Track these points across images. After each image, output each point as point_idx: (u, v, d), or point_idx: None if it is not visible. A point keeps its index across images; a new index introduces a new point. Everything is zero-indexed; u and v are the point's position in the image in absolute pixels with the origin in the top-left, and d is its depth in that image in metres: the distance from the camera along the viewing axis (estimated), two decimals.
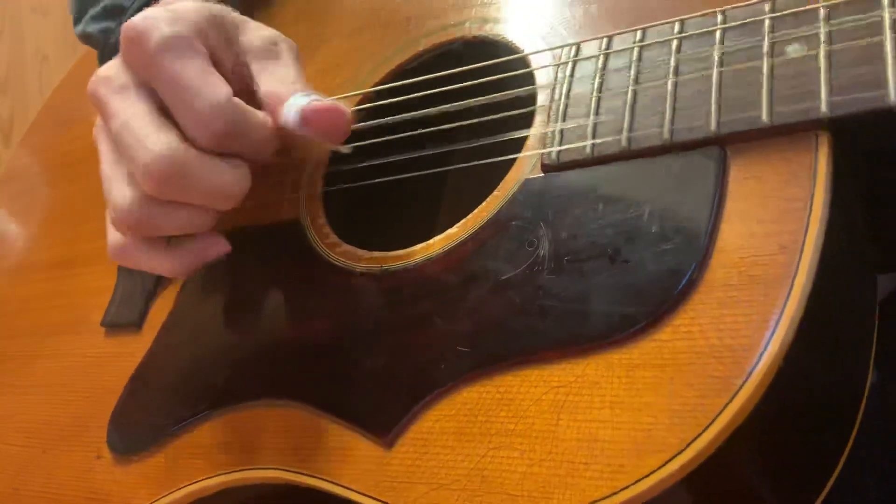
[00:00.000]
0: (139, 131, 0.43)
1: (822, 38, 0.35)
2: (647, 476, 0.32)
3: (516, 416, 0.36)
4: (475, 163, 0.46)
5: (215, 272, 0.51)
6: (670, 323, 0.34)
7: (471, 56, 0.49)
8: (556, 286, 0.37)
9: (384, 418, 0.40)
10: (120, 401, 0.53)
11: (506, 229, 0.41)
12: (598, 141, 0.39)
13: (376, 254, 0.46)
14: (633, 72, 0.40)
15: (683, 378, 0.33)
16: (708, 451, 0.31)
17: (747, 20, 0.38)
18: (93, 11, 0.60)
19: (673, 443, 0.32)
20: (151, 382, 0.52)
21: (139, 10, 0.55)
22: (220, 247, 0.48)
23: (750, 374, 0.31)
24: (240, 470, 0.45)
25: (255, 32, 0.49)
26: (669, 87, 0.38)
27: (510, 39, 0.48)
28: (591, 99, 0.41)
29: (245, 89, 0.48)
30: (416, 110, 0.49)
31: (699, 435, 0.31)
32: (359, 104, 0.53)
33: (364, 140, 0.52)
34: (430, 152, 0.49)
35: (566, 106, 0.42)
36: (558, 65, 0.44)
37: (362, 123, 0.53)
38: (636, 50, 0.40)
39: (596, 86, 0.41)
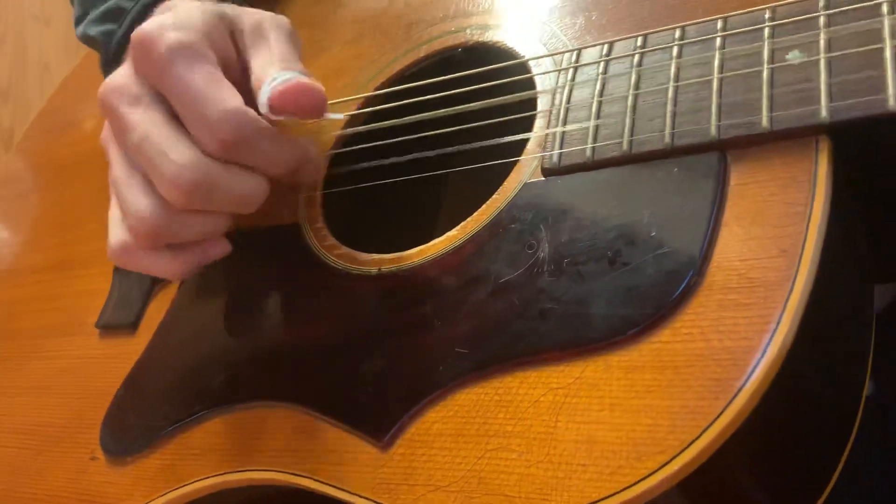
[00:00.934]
0: (161, 144, 0.43)
1: (822, 44, 0.35)
2: (645, 478, 0.32)
3: (514, 418, 0.36)
4: (475, 166, 0.46)
5: (213, 275, 0.51)
6: (670, 325, 0.34)
7: (472, 62, 0.50)
8: (556, 288, 0.37)
9: (382, 420, 0.40)
10: (114, 402, 0.53)
11: (506, 232, 0.41)
12: (598, 145, 0.39)
13: (375, 256, 0.46)
14: (633, 77, 0.40)
15: (682, 380, 0.33)
16: (707, 452, 0.31)
17: (748, 27, 0.38)
18: (94, 14, 0.60)
19: (672, 444, 0.31)
20: (147, 384, 0.52)
21: (140, 12, 0.55)
22: (221, 247, 0.48)
23: (749, 376, 0.31)
24: (235, 471, 0.44)
25: (247, 17, 0.48)
26: (670, 92, 0.38)
27: (511, 46, 0.48)
28: (592, 103, 0.41)
29: (244, 78, 0.48)
30: (417, 114, 0.49)
31: (698, 437, 0.31)
32: (359, 108, 0.54)
33: (363, 143, 0.52)
34: (429, 154, 0.49)
35: (567, 110, 0.42)
36: (559, 70, 0.44)
37: (361, 127, 0.53)
38: (637, 55, 0.41)
39: (597, 90, 0.41)
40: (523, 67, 0.47)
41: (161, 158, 0.43)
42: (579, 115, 0.41)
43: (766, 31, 0.37)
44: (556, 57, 0.45)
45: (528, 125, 0.44)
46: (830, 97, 0.34)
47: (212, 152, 0.43)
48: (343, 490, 0.40)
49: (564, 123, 0.42)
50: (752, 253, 0.34)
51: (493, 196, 0.43)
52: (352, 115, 0.53)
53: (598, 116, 0.40)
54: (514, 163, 0.43)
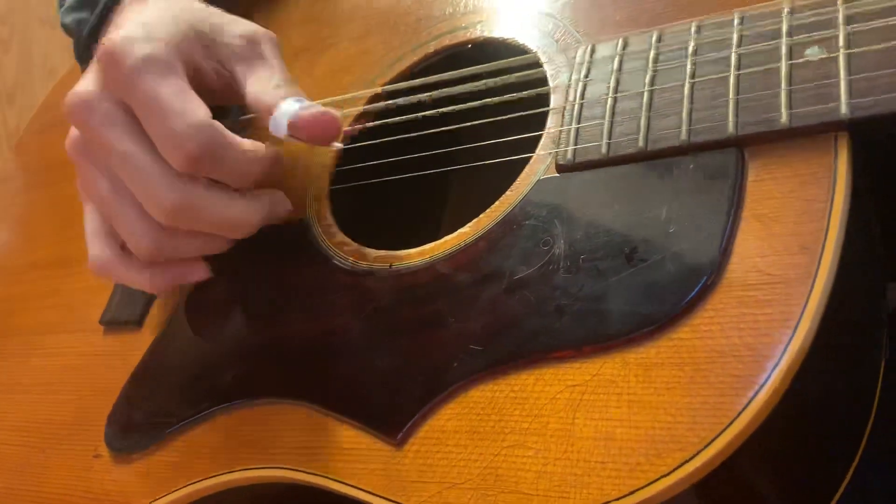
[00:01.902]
0: (142, 167, 0.43)
1: (841, 41, 0.35)
2: (665, 475, 0.31)
3: (531, 415, 0.36)
4: (488, 161, 0.46)
5: (221, 271, 0.50)
6: (689, 322, 0.34)
7: (482, 58, 0.49)
8: (572, 285, 0.37)
9: (395, 417, 0.39)
10: (119, 399, 0.52)
11: (520, 228, 0.40)
12: (614, 141, 0.39)
13: (385, 252, 0.46)
14: (649, 73, 0.40)
15: (703, 377, 0.32)
16: (729, 450, 0.31)
17: (765, 23, 0.38)
18: (69, 1, 0.59)
19: (692, 441, 0.31)
20: (152, 380, 0.51)
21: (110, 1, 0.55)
22: (199, 272, 0.48)
23: (772, 373, 0.31)
24: (244, 469, 0.44)
25: (233, 32, 0.48)
26: (687, 88, 0.38)
27: (522, 42, 0.48)
28: (606, 100, 0.41)
29: (232, 95, 0.48)
30: (425, 110, 0.49)
31: (720, 434, 0.31)
32: (367, 104, 0.53)
33: (372, 139, 0.52)
34: (438, 151, 0.49)
35: (581, 107, 0.42)
36: (573, 66, 0.44)
37: (370, 123, 0.53)
38: (653, 51, 0.41)
39: (612, 87, 0.41)
40: (535, 63, 0.46)
41: (144, 181, 0.43)
42: (594, 111, 0.41)
43: (785, 26, 0.37)
44: (569, 53, 0.45)
45: (539, 122, 0.44)
46: (850, 94, 0.34)
47: (178, 167, 0.42)
48: (356, 488, 0.39)
49: (579, 120, 0.41)
50: (771, 250, 0.33)
51: (507, 192, 0.42)
52: (360, 112, 0.53)
53: (613, 113, 0.40)
54: (525, 160, 0.43)
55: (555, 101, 0.44)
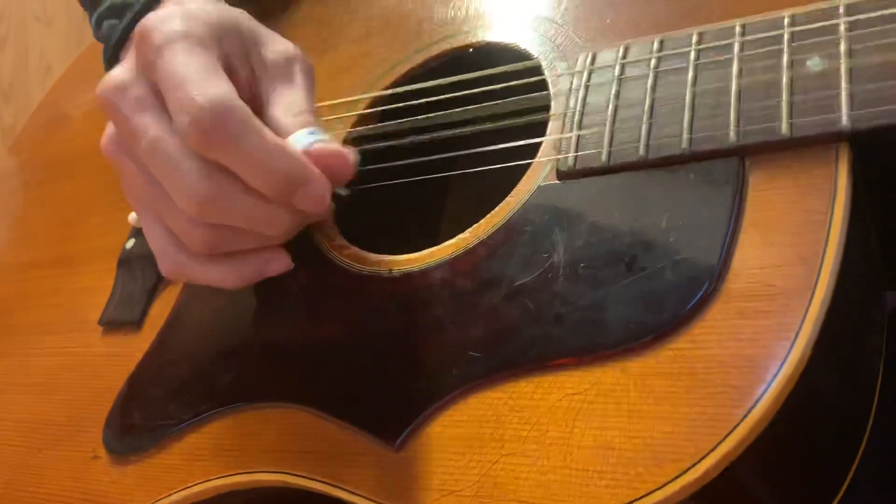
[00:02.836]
0: (170, 155, 0.40)
1: (843, 52, 0.35)
2: (664, 485, 0.31)
3: (529, 423, 0.36)
4: (487, 167, 0.45)
5: None
6: (688, 332, 0.34)
7: (483, 63, 0.49)
8: (572, 293, 0.37)
9: (393, 423, 0.39)
10: (117, 400, 0.52)
11: (519, 235, 0.40)
12: (615, 149, 0.39)
13: (385, 257, 0.46)
14: (650, 81, 0.40)
15: (701, 387, 0.32)
16: (727, 460, 0.31)
17: (767, 32, 0.38)
18: (100, 10, 0.59)
19: (691, 452, 0.31)
20: (152, 382, 0.51)
21: (146, 5, 0.54)
22: (280, 263, 0.45)
23: (770, 384, 0.31)
24: (242, 473, 0.44)
25: (272, 46, 0.46)
26: (688, 96, 0.38)
27: (524, 47, 0.48)
28: (607, 107, 0.41)
29: (254, 108, 0.44)
30: (425, 114, 0.49)
31: (718, 444, 0.31)
32: (367, 107, 0.53)
33: (371, 144, 0.52)
34: (437, 157, 0.49)
35: (582, 114, 0.42)
36: (573, 73, 0.44)
37: (369, 126, 0.53)
38: (654, 59, 0.41)
39: (613, 94, 0.41)
40: (536, 69, 0.46)
41: (171, 170, 0.40)
42: (595, 118, 0.41)
43: (786, 36, 0.37)
44: (570, 59, 0.45)
45: (540, 128, 0.44)
46: (852, 105, 0.34)
47: (192, 144, 0.39)
48: (354, 493, 0.39)
49: (580, 127, 0.41)
50: (771, 260, 0.33)
51: (507, 199, 0.42)
52: (361, 115, 0.53)
53: (614, 120, 0.40)
54: (525, 166, 0.43)
55: (555, 107, 0.44)
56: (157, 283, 0.56)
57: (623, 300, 0.36)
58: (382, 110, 0.52)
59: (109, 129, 0.45)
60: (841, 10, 0.36)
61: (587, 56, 0.44)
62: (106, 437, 0.51)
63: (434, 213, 0.62)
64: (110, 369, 0.54)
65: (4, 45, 1.37)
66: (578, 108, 0.42)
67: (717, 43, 0.39)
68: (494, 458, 0.36)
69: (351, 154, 0.43)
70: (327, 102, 0.55)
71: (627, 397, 0.34)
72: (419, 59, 0.53)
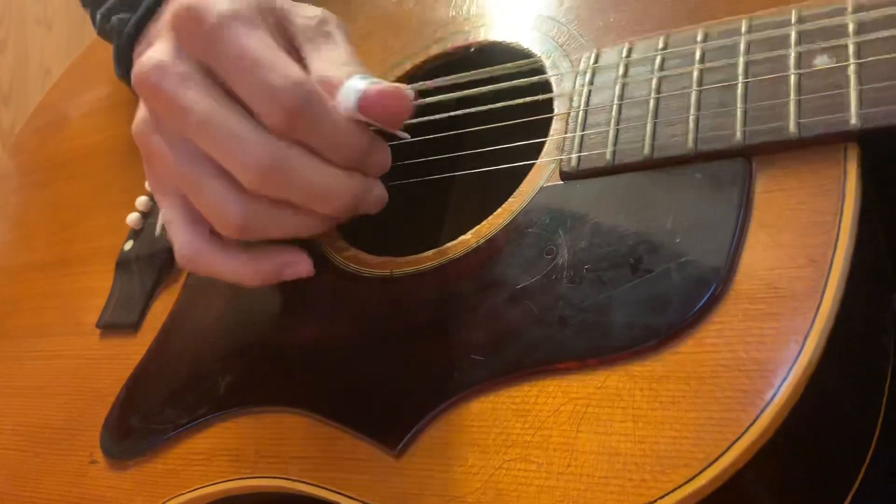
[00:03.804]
0: (228, 124, 0.39)
1: (851, 51, 0.35)
2: (671, 492, 0.31)
3: (533, 428, 0.35)
4: (490, 168, 0.45)
5: None
6: (694, 335, 0.33)
7: (485, 62, 0.49)
8: (576, 295, 0.36)
9: (394, 427, 0.39)
10: (115, 404, 0.52)
11: (523, 236, 0.40)
12: (619, 149, 0.39)
13: (385, 259, 0.45)
14: (655, 80, 0.39)
15: (708, 391, 0.32)
16: (735, 466, 0.30)
17: (773, 31, 0.37)
18: (108, 4, 0.58)
19: (698, 457, 0.31)
20: (150, 386, 0.51)
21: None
22: (302, 266, 0.45)
23: (779, 388, 0.30)
24: (241, 478, 0.43)
25: (303, 13, 0.45)
26: (693, 96, 0.38)
27: (526, 47, 0.48)
28: (611, 107, 0.40)
29: None
30: (427, 115, 0.48)
31: (726, 450, 0.30)
32: None
33: None
34: (439, 157, 0.48)
35: (586, 113, 0.41)
36: (577, 72, 0.43)
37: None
38: (658, 58, 0.40)
39: (616, 93, 0.40)
40: (539, 69, 0.46)
41: (230, 140, 0.39)
42: (599, 118, 0.41)
43: (793, 34, 0.37)
44: (573, 58, 0.44)
45: (542, 128, 0.43)
46: (860, 104, 0.33)
47: (275, 125, 0.39)
48: (354, 499, 0.39)
49: (583, 127, 0.41)
50: (779, 262, 0.33)
51: (509, 199, 0.42)
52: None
53: (618, 120, 0.40)
54: (528, 166, 0.43)
55: (559, 107, 0.43)
56: (156, 285, 0.55)
57: (628, 302, 0.35)
58: None
59: (141, 111, 0.44)
60: (849, 7, 0.36)
61: (590, 55, 0.43)
62: (104, 440, 0.51)
63: (436, 214, 0.61)
64: (108, 372, 0.54)
65: (4, 48, 1.37)
66: (582, 107, 0.41)
67: (722, 41, 0.39)
68: (498, 463, 0.35)
69: (408, 90, 0.42)
70: None
71: (633, 401, 0.33)
72: (420, 58, 0.52)
